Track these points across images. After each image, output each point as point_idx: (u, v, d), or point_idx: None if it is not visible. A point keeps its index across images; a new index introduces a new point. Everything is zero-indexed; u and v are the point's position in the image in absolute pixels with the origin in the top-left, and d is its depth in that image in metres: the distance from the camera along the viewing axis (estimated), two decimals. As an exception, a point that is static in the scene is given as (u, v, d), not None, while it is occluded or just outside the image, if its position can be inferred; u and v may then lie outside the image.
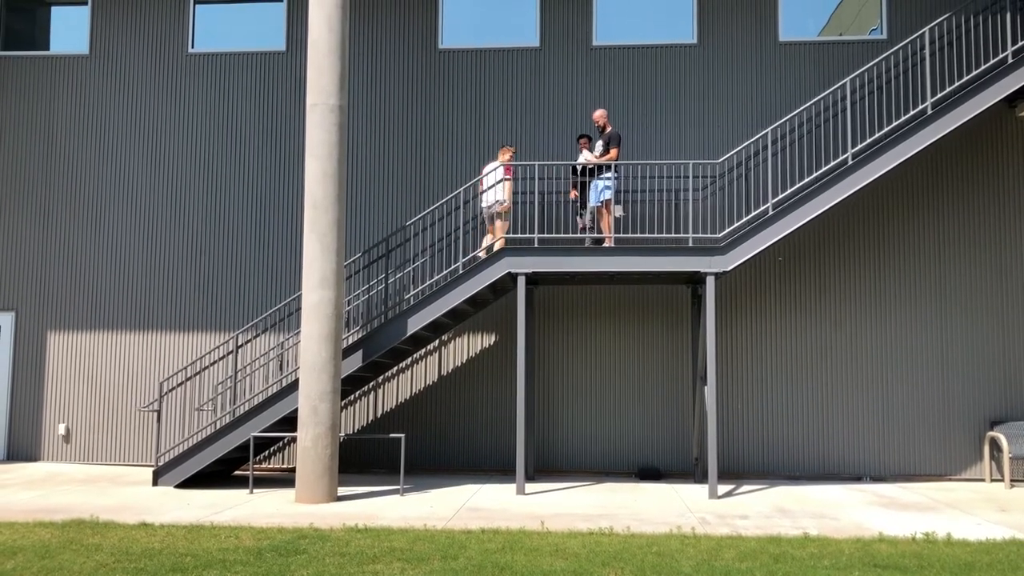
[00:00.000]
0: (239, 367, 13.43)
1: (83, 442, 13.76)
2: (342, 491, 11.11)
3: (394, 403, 13.36)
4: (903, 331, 12.85)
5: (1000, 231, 12.90)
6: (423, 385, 13.35)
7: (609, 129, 12.11)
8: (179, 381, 13.60)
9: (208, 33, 14.20)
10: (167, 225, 13.92)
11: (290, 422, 11.63)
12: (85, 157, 14.15)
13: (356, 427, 13.38)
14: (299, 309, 13.36)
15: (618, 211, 12.18)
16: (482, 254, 12.11)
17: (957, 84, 12.11)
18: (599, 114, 12.21)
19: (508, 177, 12.21)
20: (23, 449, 13.83)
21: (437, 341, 13.31)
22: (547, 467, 13.03)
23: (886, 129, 12.12)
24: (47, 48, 14.42)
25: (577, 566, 7.11)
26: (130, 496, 10.76)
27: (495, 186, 12.11)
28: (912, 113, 11.92)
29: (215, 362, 13.50)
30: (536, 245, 11.44)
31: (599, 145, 12.17)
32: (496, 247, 11.79)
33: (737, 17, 13.43)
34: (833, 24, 13.43)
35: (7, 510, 9.70)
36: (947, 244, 12.95)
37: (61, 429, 13.75)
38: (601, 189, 11.94)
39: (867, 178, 11.21)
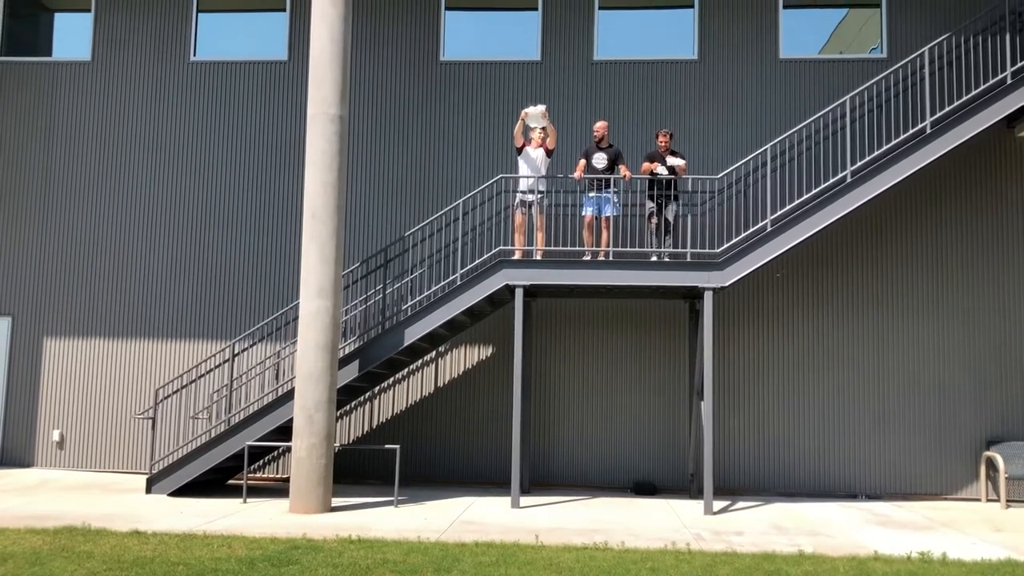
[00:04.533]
0: (235, 376, 13.40)
1: (77, 449, 13.70)
2: (336, 501, 11.06)
3: (390, 414, 13.32)
4: (901, 349, 12.85)
5: (999, 250, 12.92)
6: (419, 396, 13.32)
7: (612, 145, 12.08)
8: (174, 389, 13.56)
9: (210, 41, 14.23)
10: (165, 232, 13.92)
11: (285, 431, 11.60)
12: (84, 163, 14.15)
13: (351, 437, 13.34)
14: (296, 318, 13.34)
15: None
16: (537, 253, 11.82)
17: (956, 104, 12.15)
18: (603, 125, 12.10)
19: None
20: (16, 455, 13.77)
21: (434, 352, 13.30)
22: (542, 481, 12.99)
23: (885, 147, 12.15)
24: (49, 54, 14.45)
25: (571, 581, 7.08)
26: (123, 504, 10.72)
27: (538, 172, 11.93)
28: (911, 132, 11.95)
29: (211, 370, 13.47)
30: (535, 257, 11.43)
31: (603, 157, 12.05)
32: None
33: (738, 34, 13.48)
34: (833, 42, 13.48)
35: (-1, 516, 9.66)
36: (945, 262, 12.96)
37: (55, 435, 13.69)
38: (604, 204, 11.93)
39: (866, 196, 11.23)
